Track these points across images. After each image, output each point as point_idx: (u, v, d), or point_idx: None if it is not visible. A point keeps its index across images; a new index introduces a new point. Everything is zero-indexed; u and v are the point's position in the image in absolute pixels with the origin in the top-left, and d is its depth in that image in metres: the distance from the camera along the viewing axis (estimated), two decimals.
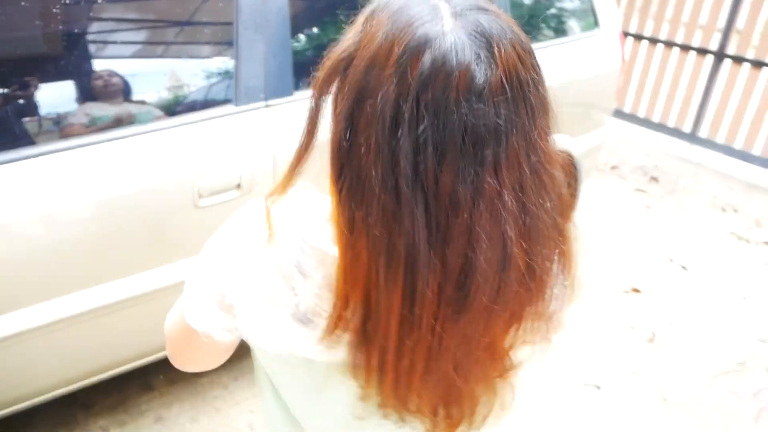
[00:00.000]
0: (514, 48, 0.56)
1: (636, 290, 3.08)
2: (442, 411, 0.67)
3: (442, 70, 0.52)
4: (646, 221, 3.76)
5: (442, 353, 0.60)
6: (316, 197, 0.68)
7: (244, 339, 0.71)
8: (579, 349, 2.66)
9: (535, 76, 0.58)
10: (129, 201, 1.69)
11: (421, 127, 0.52)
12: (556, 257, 0.63)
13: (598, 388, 2.46)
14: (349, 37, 0.60)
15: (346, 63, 0.58)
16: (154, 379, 2.35)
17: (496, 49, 0.54)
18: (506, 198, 0.55)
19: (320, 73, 0.60)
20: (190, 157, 1.79)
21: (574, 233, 0.66)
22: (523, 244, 0.57)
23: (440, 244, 0.55)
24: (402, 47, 0.53)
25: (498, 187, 0.54)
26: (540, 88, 0.58)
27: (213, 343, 0.70)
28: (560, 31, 2.82)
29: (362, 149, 0.55)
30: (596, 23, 2.88)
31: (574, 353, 2.63)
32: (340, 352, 0.64)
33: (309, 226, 0.65)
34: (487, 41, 0.54)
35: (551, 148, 0.60)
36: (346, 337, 0.62)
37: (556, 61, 2.67)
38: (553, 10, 2.88)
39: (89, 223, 1.64)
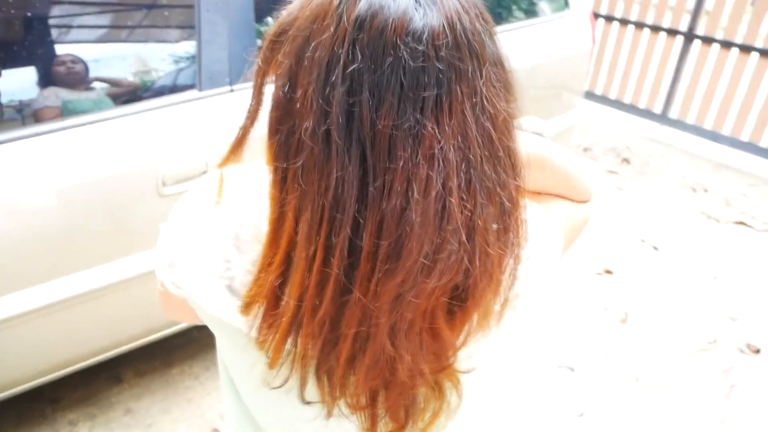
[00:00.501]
0: None
1: (608, 271, 3.10)
2: (382, 404, 0.63)
3: (378, 14, 0.51)
4: (617, 202, 3.79)
5: (375, 320, 0.55)
6: (262, 170, 0.65)
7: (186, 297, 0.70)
8: (552, 331, 2.67)
9: (482, 25, 0.56)
10: (91, 189, 1.64)
11: (353, 68, 0.50)
12: (503, 222, 0.58)
13: (572, 370, 2.48)
14: (291, 4, 0.59)
15: (289, 24, 0.56)
16: (124, 371, 2.31)
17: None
18: (447, 148, 0.52)
19: (266, 37, 0.59)
20: (154, 144, 1.74)
21: (525, 199, 0.61)
22: (464, 199, 0.53)
23: (377, 195, 0.52)
24: None
25: (439, 136, 0.52)
26: (488, 38, 0.56)
27: (173, 295, 0.69)
28: (531, 12, 2.79)
29: (297, 102, 0.53)
30: (566, 4, 2.86)
31: (548, 335, 2.64)
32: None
33: (254, 201, 0.64)
34: None
35: (503, 102, 0.57)
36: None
37: (527, 43, 2.66)
38: None
39: (50, 213, 1.59)
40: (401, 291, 0.54)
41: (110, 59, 1.81)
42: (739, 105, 4.46)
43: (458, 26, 0.53)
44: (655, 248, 3.33)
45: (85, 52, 1.74)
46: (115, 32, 1.87)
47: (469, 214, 0.54)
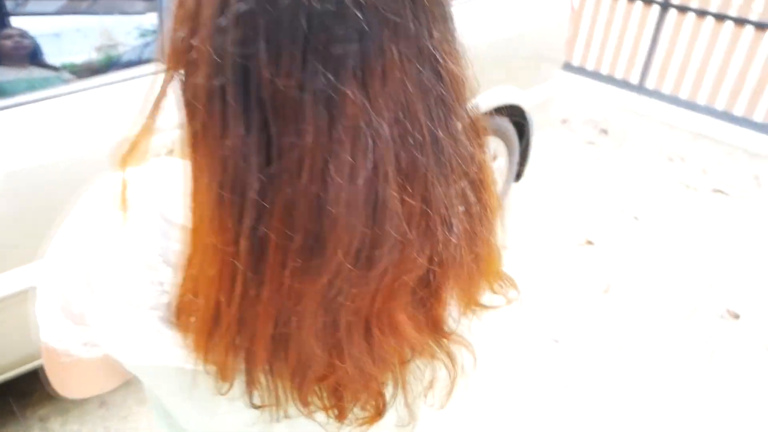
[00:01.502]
0: None
1: (589, 242, 3.08)
2: (329, 400, 0.54)
3: None
4: (597, 173, 3.76)
5: (297, 323, 0.47)
6: (177, 164, 0.52)
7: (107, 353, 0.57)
8: (536, 303, 2.64)
9: None
10: (38, 174, 1.54)
11: (245, 9, 0.41)
12: (468, 202, 0.50)
13: (557, 341, 2.45)
14: None
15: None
16: None
17: None
18: (379, 123, 0.42)
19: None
20: (113, 122, 1.65)
21: (492, 179, 0.53)
22: (408, 185, 0.44)
23: (282, 175, 0.42)
24: None
25: (367, 107, 0.42)
26: None
27: (81, 361, 0.56)
28: None
29: (192, 51, 0.43)
30: None
31: (531, 308, 2.61)
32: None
33: (170, 200, 0.51)
34: None
35: (460, 67, 0.48)
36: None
37: (506, 12, 2.59)
38: None
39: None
40: (330, 294, 0.45)
41: (65, 33, 1.71)
42: (714, 74, 4.45)
43: None
44: (636, 218, 3.31)
45: (37, 25, 1.63)
46: (75, 4, 1.77)
47: (419, 202, 0.45)
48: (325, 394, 0.53)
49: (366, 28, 0.41)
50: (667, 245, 3.10)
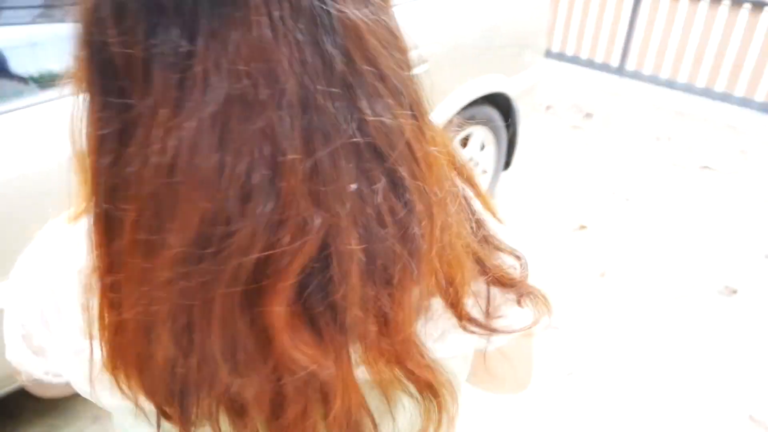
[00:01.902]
0: None
1: (583, 227, 3.05)
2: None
3: None
4: (584, 157, 3.74)
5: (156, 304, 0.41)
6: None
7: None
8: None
9: None
10: (18, 184, 1.48)
11: None
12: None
13: (557, 329, 2.42)
14: None
15: None
16: None
17: None
18: (222, 74, 0.37)
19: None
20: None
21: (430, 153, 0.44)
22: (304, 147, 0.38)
23: (133, 148, 0.39)
24: None
25: (210, 56, 0.37)
26: None
27: (49, 385, 0.56)
28: None
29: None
30: None
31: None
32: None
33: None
34: None
35: (366, 9, 0.41)
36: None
37: (487, 1, 2.56)
38: None
39: None
40: (174, 274, 0.39)
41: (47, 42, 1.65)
42: (693, 52, 4.45)
43: None
44: (627, 199, 3.29)
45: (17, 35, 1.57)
46: (50, 12, 1.70)
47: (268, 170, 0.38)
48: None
49: None
50: (659, 225, 3.09)
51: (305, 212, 0.38)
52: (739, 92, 4.34)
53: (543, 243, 2.91)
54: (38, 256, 0.52)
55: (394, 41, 0.43)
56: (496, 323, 0.52)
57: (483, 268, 0.51)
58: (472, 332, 0.50)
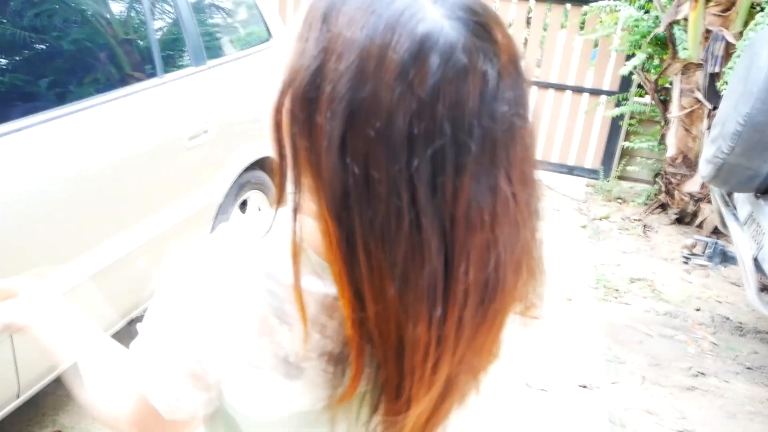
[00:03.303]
0: (502, 25, 0.48)
1: None
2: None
3: (454, 74, 0.44)
4: None
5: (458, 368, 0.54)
6: (258, 219, 0.57)
7: (226, 409, 0.60)
8: None
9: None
10: None
11: (439, 144, 0.44)
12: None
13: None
14: (302, 46, 0.47)
15: (321, 75, 0.45)
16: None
17: (493, 32, 0.47)
18: (519, 199, 0.49)
19: (277, 100, 0.48)
20: None
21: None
22: (533, 250, 0.54)
23: (463, 263, 0.48)
24: (399, 50, 0.43)
25: (512, 189, 0.48)
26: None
27: (178, 424, 0.60)
28: (242, 42, 2.91)
29: (376, 184, 0.44)
30: (269, 34, 3.04)
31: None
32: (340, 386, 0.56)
33: (275, 258, 0.53)
34: (482, 25, 0.46)
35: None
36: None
37: (239, 77, 2.75)
38: (227, 24, 2.96)
39: None
40: (482, 337, 0.54)
41: None
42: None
43: (516, 62, 0.48)
44: None
45: None
46: None
47: (536, 260, 0.55)
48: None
49: (513, 126, 0.48)
50: None
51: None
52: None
53: None
54: (199, 290, 0.54)
55: None
56: None
57: None
58: None
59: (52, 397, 2.13)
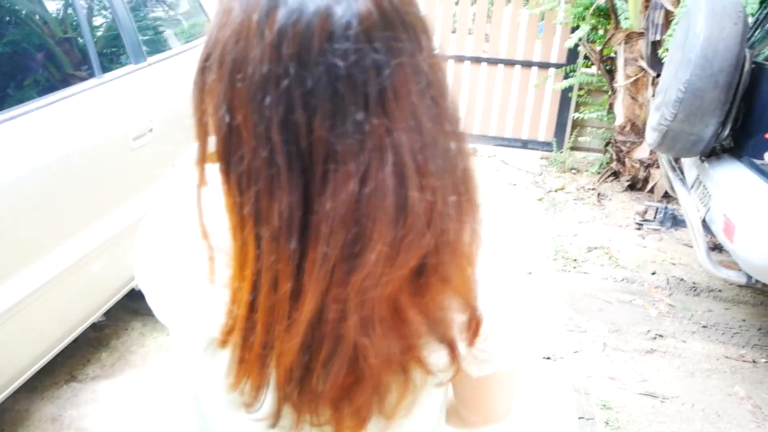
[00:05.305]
0: None
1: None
2: (346, 406, 0.59)
3: (299, 20, 0.48)
4: None
5: (341, 320, 0.53)
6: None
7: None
8: None
9: None
10: None
11: (285, 86, 0.48)
12: (458, 192, 0.55)
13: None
14: (211, 22, 0.54)
15: (213, 47, 0.52)
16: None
17: None
18: (399, 134, 0.50)
19: (197, 67, 0.54)
20: None
21: (473, 173, 0.58)
22: (422, 181, 0.51)
23: (328, 204, 0.50)
24: (258, 10, 0.49)
25: (389, 124, 0.49)
26: (412, 2, 0.53)
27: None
28: (186, 35, 2.85)
29: (241, 130, 0.50)
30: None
31: None
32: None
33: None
34: None
35: (441, 68, 0.54)
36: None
37: (183, 72, 2.69)
38: (168, 18, 2.89)
39: None
40: (366, 285, 0.51)
41: None
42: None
43: (387, 3, 0.50)
44: None
45: None
46: None
47: (430, 196, 0.52)
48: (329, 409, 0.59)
49: (380, 63, 0.49)
50: None
51: (441, 224, 0.53)
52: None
53: None
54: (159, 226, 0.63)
55: None
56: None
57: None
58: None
59: (11, 413, 2.07)
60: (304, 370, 0.56)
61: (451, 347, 0.59)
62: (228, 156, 0.52)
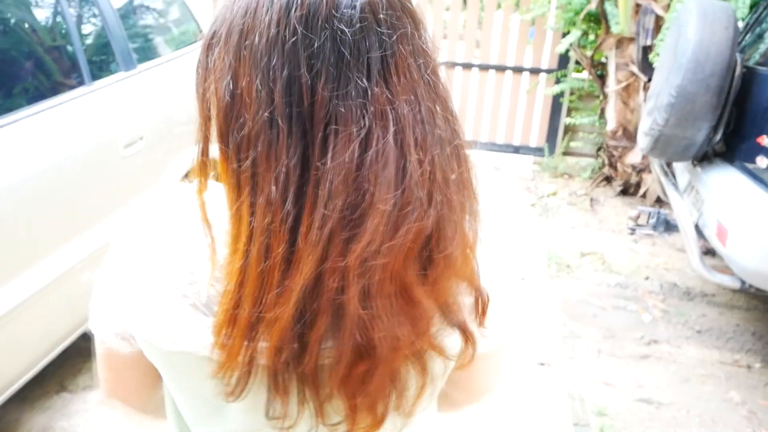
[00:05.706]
0: None
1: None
2: (361, 400, 0.57)
3: None
4: None
5: (346, 290, 0.52)
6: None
7: (138, 342, 0.63)
8: None
9: None
10: None
11: (289, 48, 0.50)
12: (458, 171, 0.57)
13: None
14: (219, 4, 0.57)
15: (221, 24, 0.54)
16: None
17: None
18: (400, 105, 0.52)
19: (202, 44, 0.56)
20: None
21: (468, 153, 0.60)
22: (422, 152, 0.53)
23: (323, 166, 0.50)
24: None
25: (390, 95, 0.52)
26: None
27: (118, 356, 0.65)
28: (176, 42, 2.83)
29: (243, 96, 0.52)
30: (200, 30, 2.97)
31: None
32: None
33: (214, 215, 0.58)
34: None
35: (434, 58, 0.58)
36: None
37: (173, 78, 2.68)
38: (158, 25, 2.88)
39: None
40: (367, 253, 0.51)
41: None
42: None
43: None
44: None
45: None
46: None
47: (429, 166, 0.53)
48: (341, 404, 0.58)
49: (384, 38, 0.52)
50: None
51: (441, 195, 0.55)
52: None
53: None
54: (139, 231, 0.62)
55: None
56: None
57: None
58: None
59: (0, 423, 2.04)
60: (298, 343, 0.54)
61: (464, 330, 0.59)
62: (228, 125, 0.53)
